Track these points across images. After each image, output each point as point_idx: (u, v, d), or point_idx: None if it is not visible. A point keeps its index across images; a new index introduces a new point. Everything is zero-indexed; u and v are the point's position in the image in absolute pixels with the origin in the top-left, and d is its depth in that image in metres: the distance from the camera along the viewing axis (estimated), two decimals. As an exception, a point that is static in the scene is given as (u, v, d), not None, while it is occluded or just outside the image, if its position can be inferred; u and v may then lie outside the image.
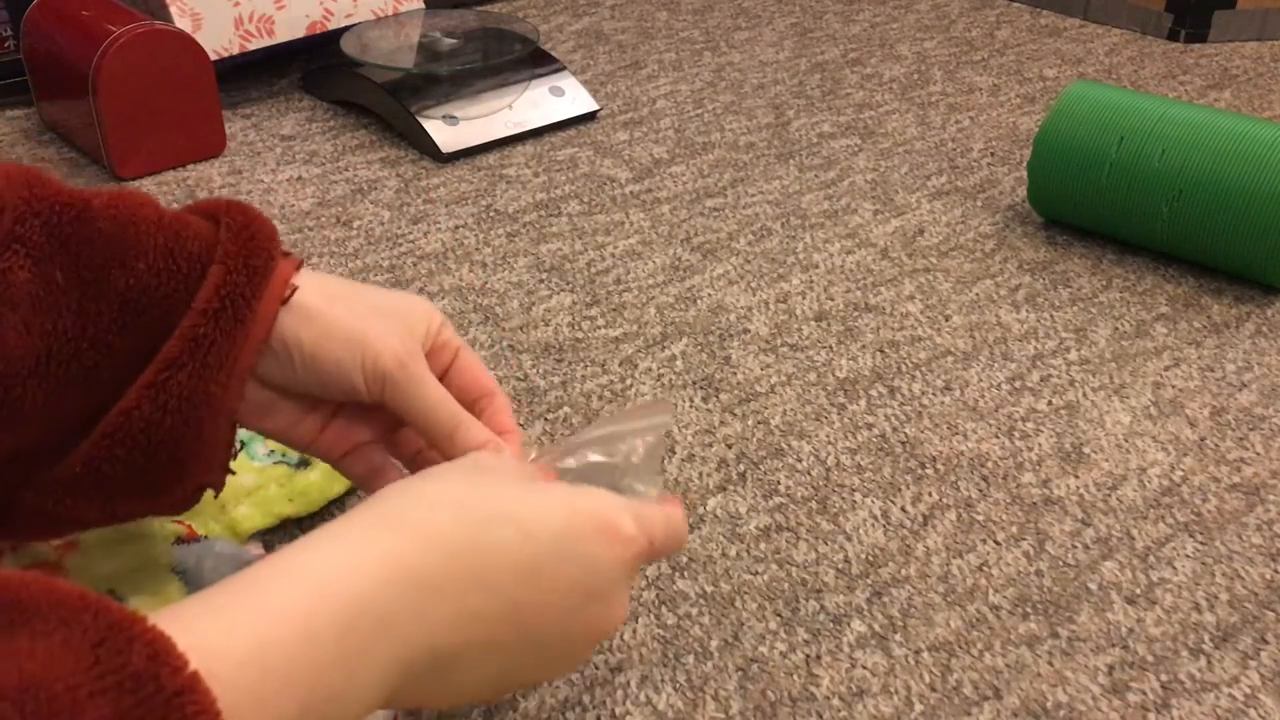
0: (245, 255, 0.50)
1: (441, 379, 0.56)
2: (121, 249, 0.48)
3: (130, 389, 0.48)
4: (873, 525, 0.74)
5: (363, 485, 0.59)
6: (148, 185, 1.15)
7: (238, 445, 0.75)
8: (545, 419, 0.83)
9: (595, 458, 0.56)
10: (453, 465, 0.49)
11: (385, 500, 0.44)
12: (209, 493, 0.55)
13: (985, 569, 0.70)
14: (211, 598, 0.36)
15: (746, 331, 0.93)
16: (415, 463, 0.59)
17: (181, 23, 1.20)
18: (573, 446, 0.57)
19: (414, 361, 0.53)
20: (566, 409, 0.84)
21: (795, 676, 0.63)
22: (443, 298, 0.97)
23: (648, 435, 0.57)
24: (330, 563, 0.39)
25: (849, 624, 0.66)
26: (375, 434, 0.58)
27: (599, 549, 0.46)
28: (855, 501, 0.76)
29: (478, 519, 0.43)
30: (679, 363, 0.89)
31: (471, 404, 0.57)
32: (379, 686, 0.38)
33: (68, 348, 0.47)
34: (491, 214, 1.10)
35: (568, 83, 1.29)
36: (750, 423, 0.83)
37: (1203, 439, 0.82)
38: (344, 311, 0.52)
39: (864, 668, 0.64)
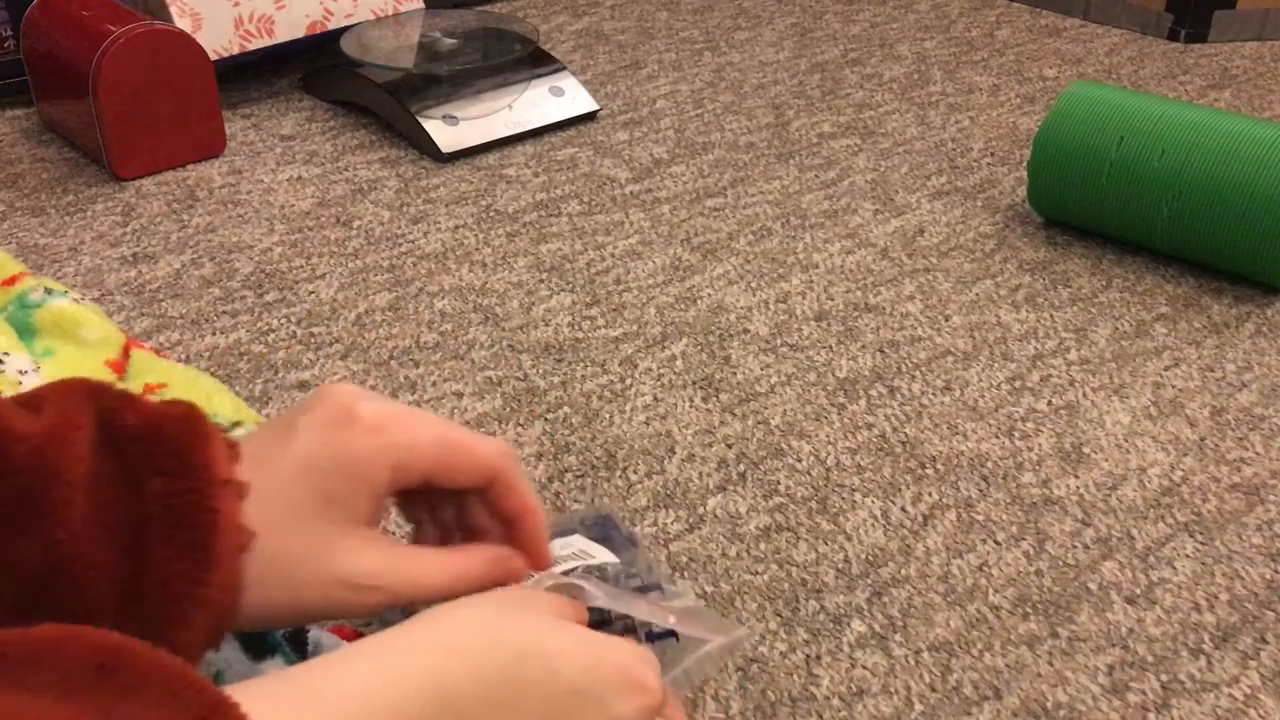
0: (185, 532, 0.42)
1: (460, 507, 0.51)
2: (28, 517, 0.40)
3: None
4: (873, 525, 0.74)
5: None
6: (148, 185, 1.15)
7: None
8: (545, 419, 0.83)
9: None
10: (493, 596, 0.48)
11: (430, 622, 0.45)
12: None
13: (985, 569, 0.70)
14: (272, 692, 0.38)
15: (746, 331, 0.93)
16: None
17: (181, 23, 1.20)
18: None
19: (372, 589, 0.46)
20: (566, 409, 0.84)
21: (795, 676, 0.63)
22: (443, 298, 0.97)
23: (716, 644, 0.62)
24: (377, 672, 0.41)
25: (849, 624, 0.66)
26: None
27: (619, 697, 0.47)
28: (855, 501, 0.76)
29: (511, 652, 0.44)
30: (679, 363, 0.89)
31: (511, 524, 0.52)
32: None
33: None
34: (491, 214, 1.10)
35: (568, 83, 1.29)
36: (750, 423, 0.83)
37: (1203, 439, 0.82)
38: (298, 544, 0.44)
39: (864, 668, 0.64)
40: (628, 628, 0.61)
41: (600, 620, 0.61)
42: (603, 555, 0.64)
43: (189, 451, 0.43)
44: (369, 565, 0.46)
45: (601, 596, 0.58)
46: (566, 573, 0.61)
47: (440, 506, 0.52)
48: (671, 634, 0.62)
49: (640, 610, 0.60)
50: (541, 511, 0.51)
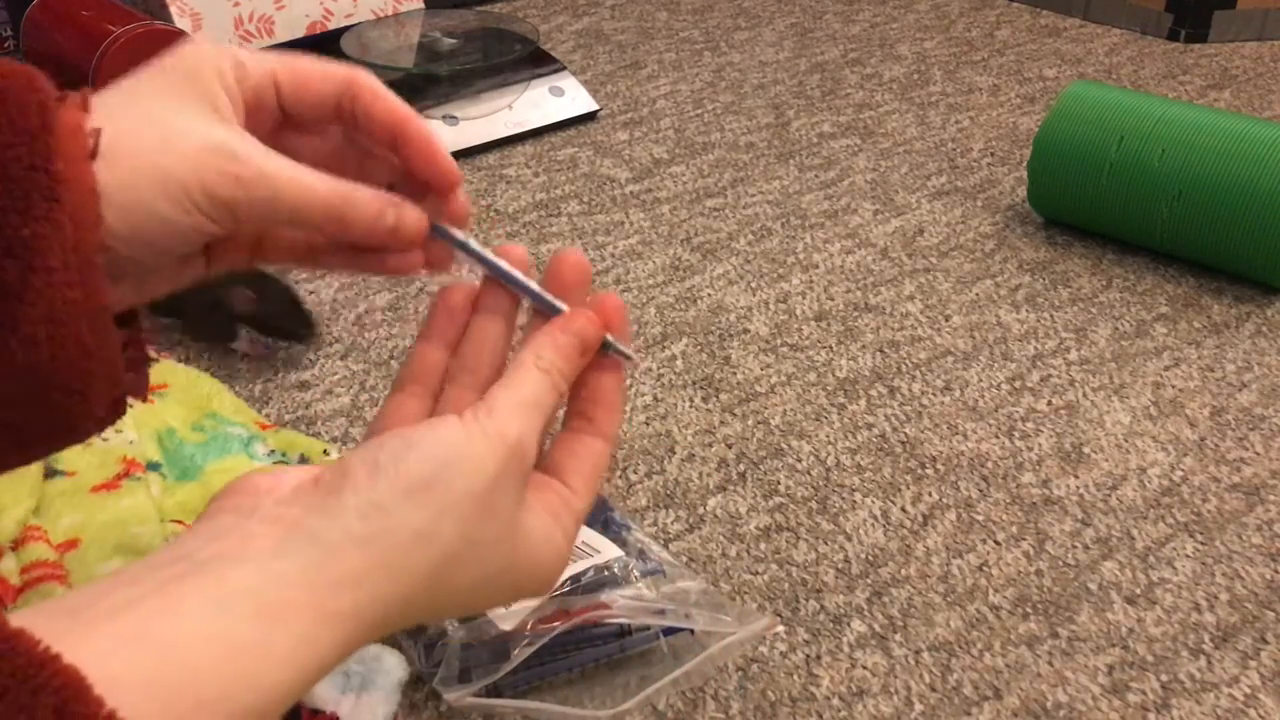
0: (19, 139, 0.37)
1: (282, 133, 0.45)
2: None
3: None
4: (873, 525, 0.74)
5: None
6: (148, 185, 1.15)
7: (243, 442, 0.75)
8: (545, 419, 0.83)
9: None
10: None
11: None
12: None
13: (985, 569, 0.70)
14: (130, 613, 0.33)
15: (746, 331, 0.93)
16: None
17: (181, 23, 1.20)
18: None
19: (244, 162, 0.40)
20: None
21: (795, 676, 0.63)
22: (443, 298, 0.97)
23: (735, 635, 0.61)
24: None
25: (849, 624, 0.66)
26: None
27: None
28: (855, 501, 0.76)
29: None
30: (679, 363, 0.89)
31: (393, 138, 0.45)
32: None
33: None
34: (491, 214, 1.10)
35: (568, 83, 1.29)
36: (750, 423, 0.83)
37: (1203, 439, 0.82)
38: (157, 127, 0.40)
39: (864, 668, 0.64)
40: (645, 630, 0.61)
41: (623, 631, 0.61)
42: (607, 549, 0.64)
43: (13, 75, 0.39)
44: (241, 143, 0.41)
45: (622, 613, 0.59)
46: (577, 577, 0.61)
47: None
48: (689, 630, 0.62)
49: (660, 620, 0.61)
50: (425, 124, 0.45)
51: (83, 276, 0.37)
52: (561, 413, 0.45)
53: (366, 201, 0.43)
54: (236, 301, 0.85)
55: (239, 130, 0.41)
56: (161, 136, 0.39)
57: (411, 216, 0.44)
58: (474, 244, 0.45)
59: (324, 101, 0.44)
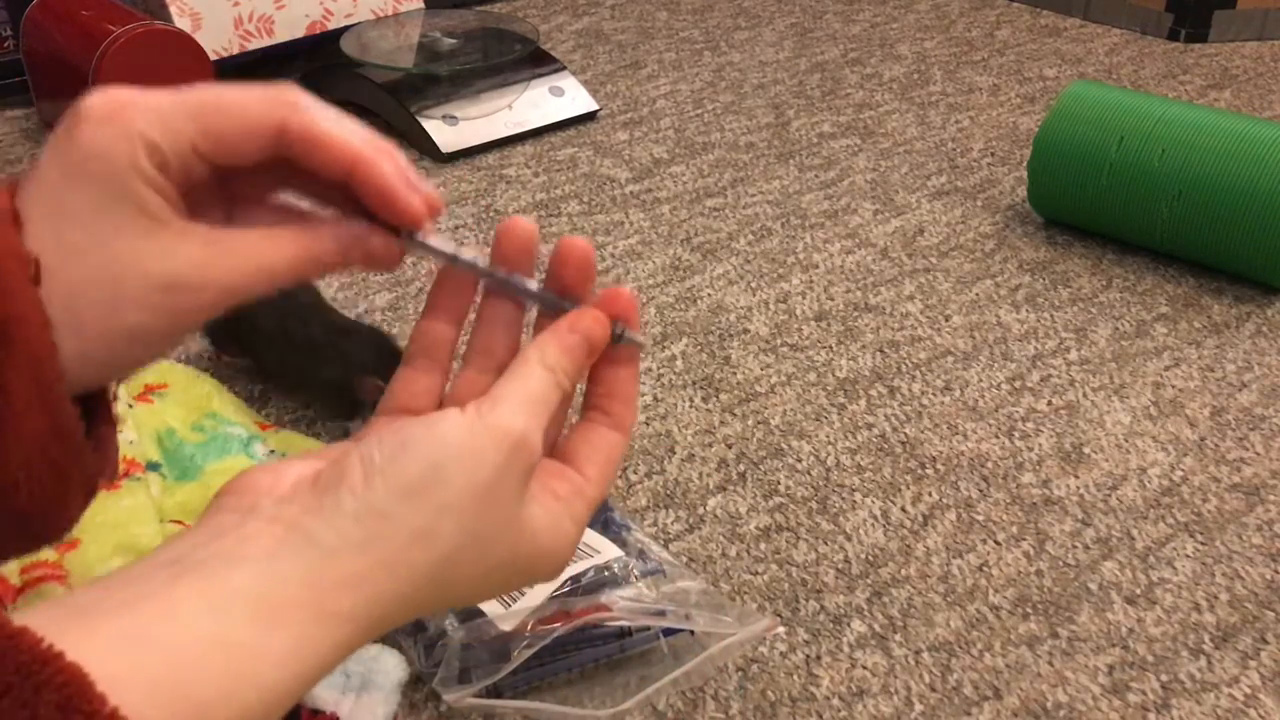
0: None
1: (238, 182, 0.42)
2: None
3: None
4: (873, 525, 0.74)
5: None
6: (148, 185, 1.15)
7: (242, 442, 0.75)
8: (545, 419, 0.83)
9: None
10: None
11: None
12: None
13: (985, 569, 0.70)
14: (126, 612, 0.33)
15: (746, 331, 0.93)
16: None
17: (181, 23, 1.20)
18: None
19: (202, 289, 0.39)
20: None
21: (795, 676, 0.63)
22: (443, 298, 0.97)
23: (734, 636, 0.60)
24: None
25: (849, 624, 0.66)
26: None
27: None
28: (855, 501, 0.76)
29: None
30: (679, 363, 0.89)
31: (348, 185, 0.41)
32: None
33: None
34: (491, 214, 1.10)
35: (568, 83, 1.29)
36: (750, 423, 0.83)
37: (1203, 439, 0.82)
38: (97, 263, 0.38)
39: (864, 668, 0.64)
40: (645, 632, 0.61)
41: (623, 631, 0.61)
42: (607, 549, 0.64)
43: None
44: (184, 262, 0.38)
45: (623, 615, 0.59)
46: (577, 577, 0.61)
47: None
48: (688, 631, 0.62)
49: (660, 621, 0.61)
50: (378, 154, 0.40)
51: (45, 406, 0.37)
52: (579, 402, 0.45)
53: (328, 253, 0.41)
54: (365, 391, 0.79)
55: (181, 234, 0.39)
56: (113, 286, 0.38)
57: (378, 247, 0.42)
58: (466, 255, 0.43)
59: (253, 157, 0.40)
